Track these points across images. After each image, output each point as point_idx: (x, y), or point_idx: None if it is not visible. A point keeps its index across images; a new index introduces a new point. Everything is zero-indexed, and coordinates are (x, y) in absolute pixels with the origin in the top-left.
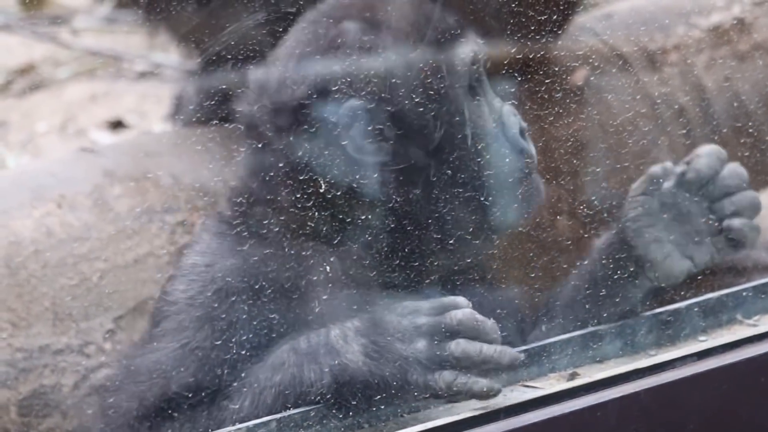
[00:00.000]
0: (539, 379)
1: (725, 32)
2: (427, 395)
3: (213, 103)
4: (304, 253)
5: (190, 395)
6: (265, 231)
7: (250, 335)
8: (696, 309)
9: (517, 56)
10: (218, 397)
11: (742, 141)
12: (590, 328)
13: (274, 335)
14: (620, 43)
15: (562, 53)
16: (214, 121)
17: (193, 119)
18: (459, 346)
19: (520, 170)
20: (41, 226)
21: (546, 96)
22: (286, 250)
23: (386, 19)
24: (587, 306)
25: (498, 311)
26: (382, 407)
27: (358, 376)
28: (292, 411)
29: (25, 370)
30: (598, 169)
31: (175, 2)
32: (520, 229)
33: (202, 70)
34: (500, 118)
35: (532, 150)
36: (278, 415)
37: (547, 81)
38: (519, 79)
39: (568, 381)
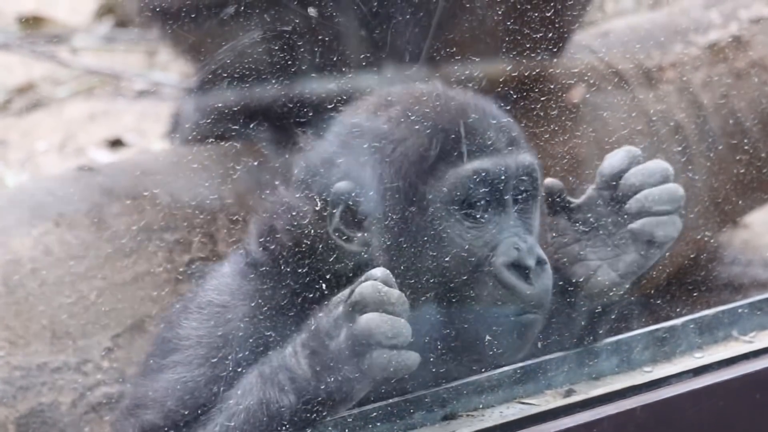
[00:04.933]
0: (535, 395)
1: (722, 50)
2: (366, 387)
3: (210, 121)
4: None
5: (182, 427)
6: (290, 282)
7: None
8: (692, 325)
9: (514, 74)
10: (196, 423)
11: (738, 158)
12: (586, 346)
13: None
14: (617, 61)
15: (559, 71)
16: (211, 139)
17: (191, 137)
18: (360, 323)
19: (504, 305)
20: (39, 244)
21: (542, 113)
22: (306, 305)
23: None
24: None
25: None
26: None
27: (310, 389)
28: None
29: (23, 388)
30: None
31: (172, 21)
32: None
33: (199, 88)
34: (496, 245)
35: (525, 288)
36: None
37: (543, 99)
38: (516, 96)
39: (564, 398)
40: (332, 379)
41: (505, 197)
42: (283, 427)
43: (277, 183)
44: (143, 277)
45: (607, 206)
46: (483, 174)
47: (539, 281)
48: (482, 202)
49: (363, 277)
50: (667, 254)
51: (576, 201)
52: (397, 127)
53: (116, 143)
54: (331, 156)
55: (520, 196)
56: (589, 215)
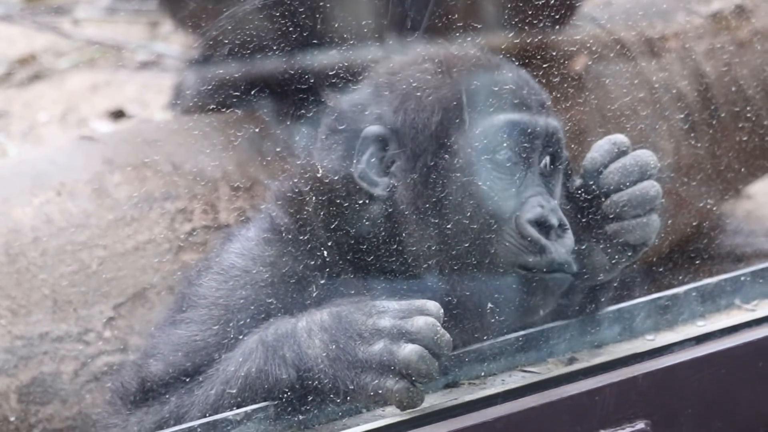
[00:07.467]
0: (537, 363)
1: (725, 19)
2: (376, 400)
3: (211, 89)
4: (349, 276)
5: (186, 382)
6: (314, 250)
7: None
8: (694, 294)
9: (517, 42)
10: (192, 382)
11: (741, 126)
12: (588, 314)
13: None
14: (620, 30)
15: (562, 40)
16: (213, 108)
17: (192, 106)
18: (405, 351)
19: (526, 260)
20: (41, 213)
21: (545, 82)
22: (332, 272)
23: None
24: None
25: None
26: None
27: (316, 373)
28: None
29: (24, 357)
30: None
31: None
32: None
33: (200, 56)
34: (521, 200)
35: (548, 244)
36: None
37: (545, 67)
38: (519, 65)
39: (567, 366)
40: (341, 374)
41: (532, 155)
42: (276, 399)
43: (301, 146)
44: (145, 245)
45: (591, 200)
46: (514, 126)
47: (561, 241)
48: (510, 154)
49: (417, 304)
50: (670, 222)
51: (576, 182)
52: (433, 77)
53: (118, 114)
54: (363, 103)
55: (546, 158)
56: (576, 206)
